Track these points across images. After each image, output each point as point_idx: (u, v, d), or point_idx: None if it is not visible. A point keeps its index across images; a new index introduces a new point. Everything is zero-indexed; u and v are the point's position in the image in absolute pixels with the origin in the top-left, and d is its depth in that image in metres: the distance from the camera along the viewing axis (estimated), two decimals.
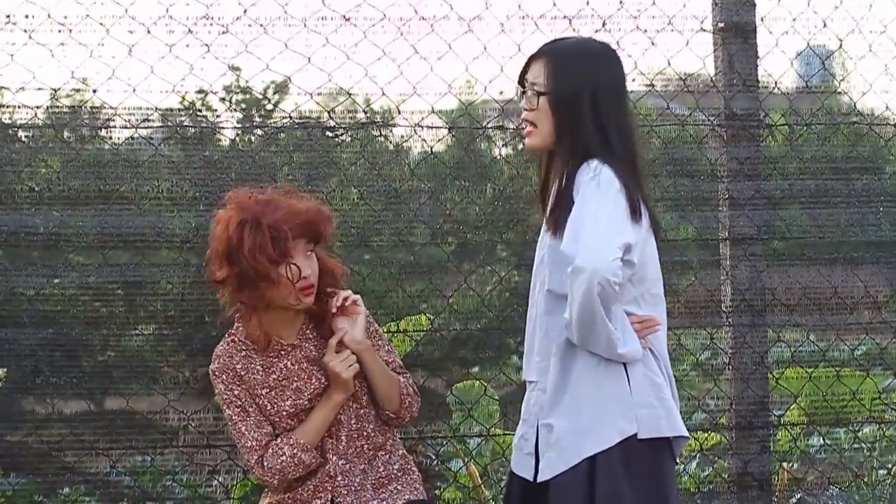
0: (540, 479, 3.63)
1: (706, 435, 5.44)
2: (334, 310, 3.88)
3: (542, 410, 3.65)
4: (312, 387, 3.90)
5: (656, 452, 3.62)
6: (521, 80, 3.76)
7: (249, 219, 3.77)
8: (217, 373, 3.91)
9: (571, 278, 3.48)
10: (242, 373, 3.90)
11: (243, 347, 3.92)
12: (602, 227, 3.50)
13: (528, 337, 3.78)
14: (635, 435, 3.57)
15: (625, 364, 3.59)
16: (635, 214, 3.57)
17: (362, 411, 3.94)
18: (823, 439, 5.68)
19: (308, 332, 3.94)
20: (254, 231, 3.76)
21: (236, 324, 3.94)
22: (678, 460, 3.80)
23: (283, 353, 3.91)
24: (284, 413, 3.89)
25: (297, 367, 3.91)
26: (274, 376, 3.90)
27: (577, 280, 3.46)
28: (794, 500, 5.63)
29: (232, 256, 3.79)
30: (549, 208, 3.68)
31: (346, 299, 3.89)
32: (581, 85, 3.65)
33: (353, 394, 3.90)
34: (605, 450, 3.55)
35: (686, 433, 3.69)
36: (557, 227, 3.61)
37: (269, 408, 3.90)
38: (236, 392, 3.89)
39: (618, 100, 3.70)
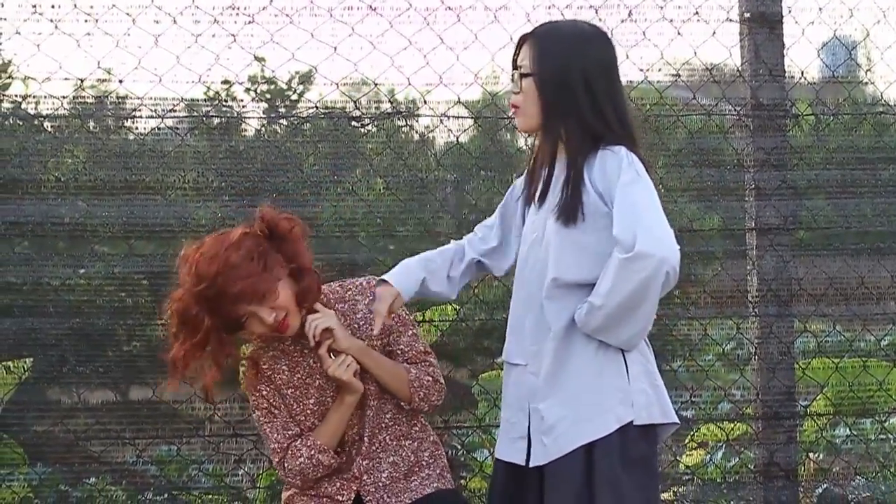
0: (532, 463, 3.58)
1: (732, 425, 5.42)
2: (312, 344, 3.82)
3: (534, 395, 3.60)
4: (334, 385, 3.89)
5: (648, 439, 3.60)
6: (514, 63, 3.67)
7: (199, 310, 3.72)
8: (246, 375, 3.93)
9: (626, 264, 3.41)
10: (269, 373, 3.91)
11: (270, 348, 3.92)
12: (661, 215, 3.46)
13: (516, 318, 3.69)
14: (632, 422, 3.55)
15: (622, 351, 3.57)
16: None
17: (376, 404, 3.93)
18: (850, 430, 5.65)
19: None
20: (210, 322, 3.72)
21: None
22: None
23: (306, 351, 3.91)
24: (310, 411, 3.90)
25: (318, 364, 3.90)
26: (299, 375, 3.91)
27: (636, 266, 3.40)
28: (819, 491, 5.62)
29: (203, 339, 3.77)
30: (559, 195, 3.56)
31: (314, 334, 3.80)
32: (569, 65, 3.55)
33: (364, 391, 3.88)
34: (605, 436, 3.53)
35: (677, 420, 3.67)
36: (572, 214, 3.53)
37: (295, 406, 3.91)
38: (264, 393, 3.91)
39: (611, 81, 3.60)
